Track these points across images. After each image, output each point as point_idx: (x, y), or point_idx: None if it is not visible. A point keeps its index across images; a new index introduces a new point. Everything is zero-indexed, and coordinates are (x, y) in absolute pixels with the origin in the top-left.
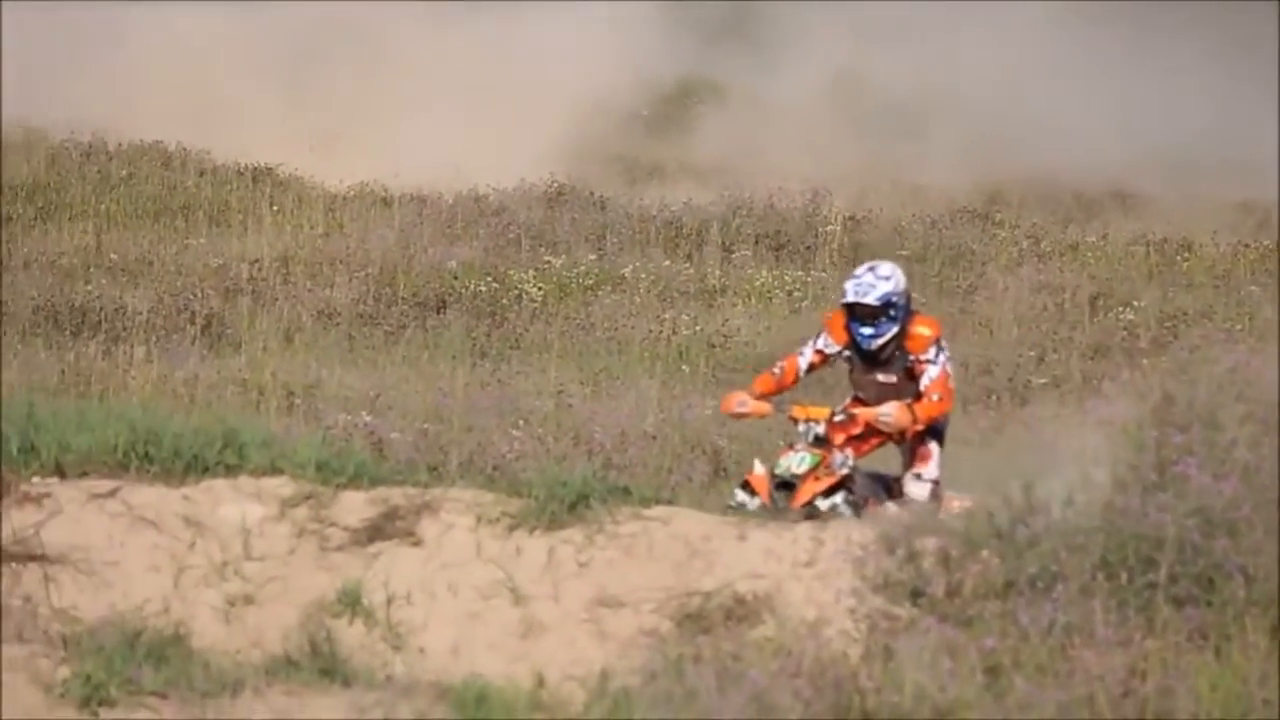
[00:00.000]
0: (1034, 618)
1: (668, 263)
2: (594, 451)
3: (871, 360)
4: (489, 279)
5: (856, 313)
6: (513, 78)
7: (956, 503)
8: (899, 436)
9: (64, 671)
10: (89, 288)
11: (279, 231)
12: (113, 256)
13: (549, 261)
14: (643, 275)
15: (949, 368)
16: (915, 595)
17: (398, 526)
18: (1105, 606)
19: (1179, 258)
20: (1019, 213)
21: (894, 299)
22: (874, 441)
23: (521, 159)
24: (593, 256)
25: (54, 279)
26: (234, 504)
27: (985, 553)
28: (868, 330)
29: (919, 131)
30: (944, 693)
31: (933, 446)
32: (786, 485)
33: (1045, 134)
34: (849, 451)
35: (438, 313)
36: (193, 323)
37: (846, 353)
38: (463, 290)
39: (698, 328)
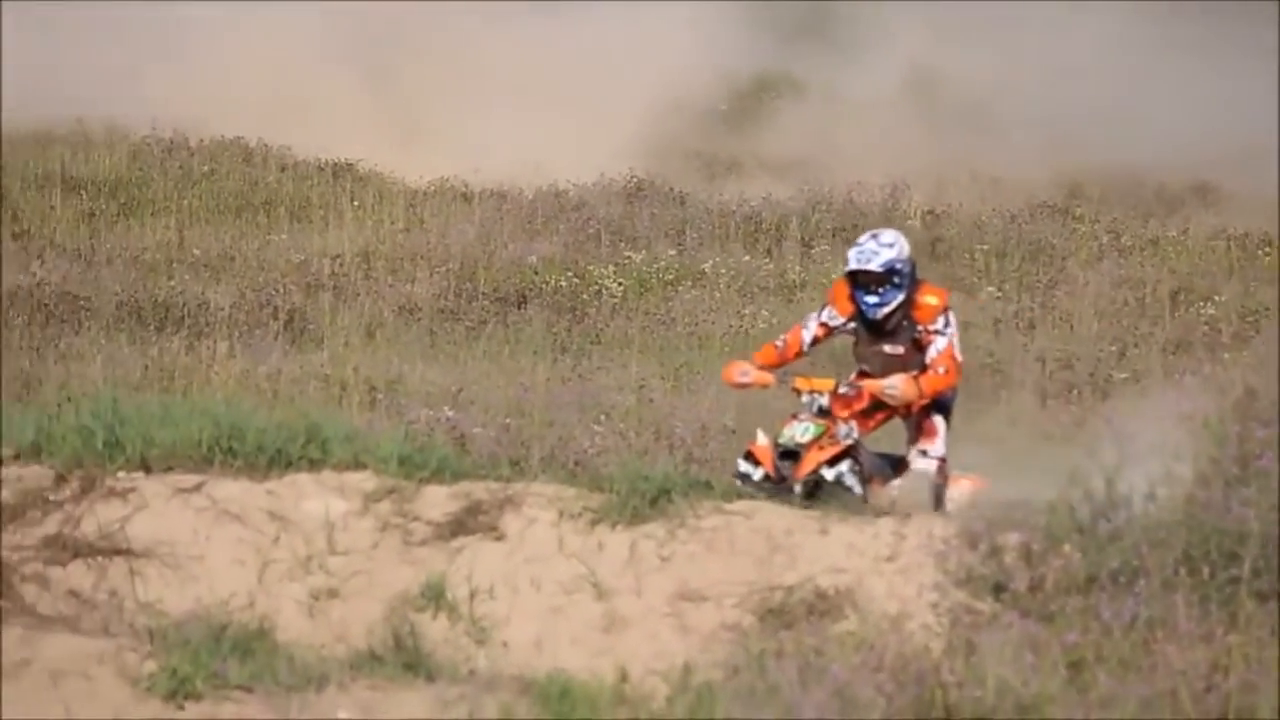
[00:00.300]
0: (1116, 612)
1: (747, 257)
2: (675, 446)
3: (878, 331)
4: (569, 274)
5: (860, 281)
6: (593, 73)
7: (966, 481)
8: (904, 410)
9: (150, 665)
10: (172, 283)
11: (360, 227)
12: (195, 252)
13: (629, 257)
14: (722, 270)
15: (956, 340)
16: (997, 590)
17: (480, 521)
18: (1187, 601)
19: (1260, 252)
20: (1099, 207)
21: (898, 265)
22: (879, 417)
23: (601, 154)
24: (672, 252)
25: (137, 274)
26: (318, 498)
27: (1067, 548)
28: (872, 299)
29: (998, 126)
30: (1026, 687)
31: (938, 422)
32: (791, 454)
33: (1125, 128)
34: (853, 424)
35: (518, 308)
36: (275, 318)
37: (851, 325)
38: (543, 285)
39: (776, 321)
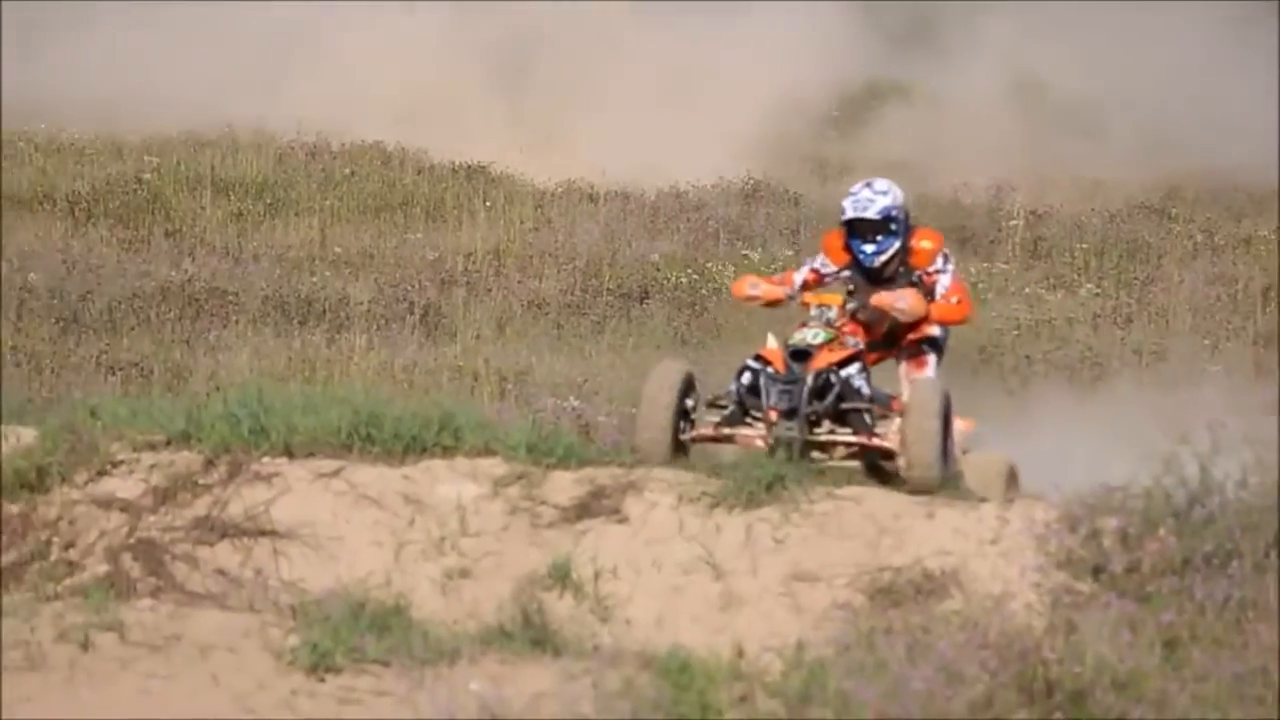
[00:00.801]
0: (1210, 593)
1: None
2: None
3: (875, 279)
4: (689, 271)
5: (857, 229)
6: (712, 78)
7: (960, 422)
8: (904, 336)
9: (293, 640)
10: (314, 279)
11: (491, 226)
12: (336, 250)
13: (746, 255)
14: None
15: (960, 273)
16: (1096, 571)
17: (604, 505)
18: (1279, 582)
19: None
20: (1194, 208)
21: (894, 212)
22: (874, 357)
23: (719, 157)
24: (789, 251)
25: (282, 271)
26: (451, 483)
27: (1163, 531)
28: (870, 247)
29: (1098, 129)
30: (1123, 664)
31: (930, 356)
32: (801, 354)
33: (1220, 131)
34: (860, 337)
35: (641, 303)
36: (411, 312)
37: (845, 273)
38: (664, 282)
39: None
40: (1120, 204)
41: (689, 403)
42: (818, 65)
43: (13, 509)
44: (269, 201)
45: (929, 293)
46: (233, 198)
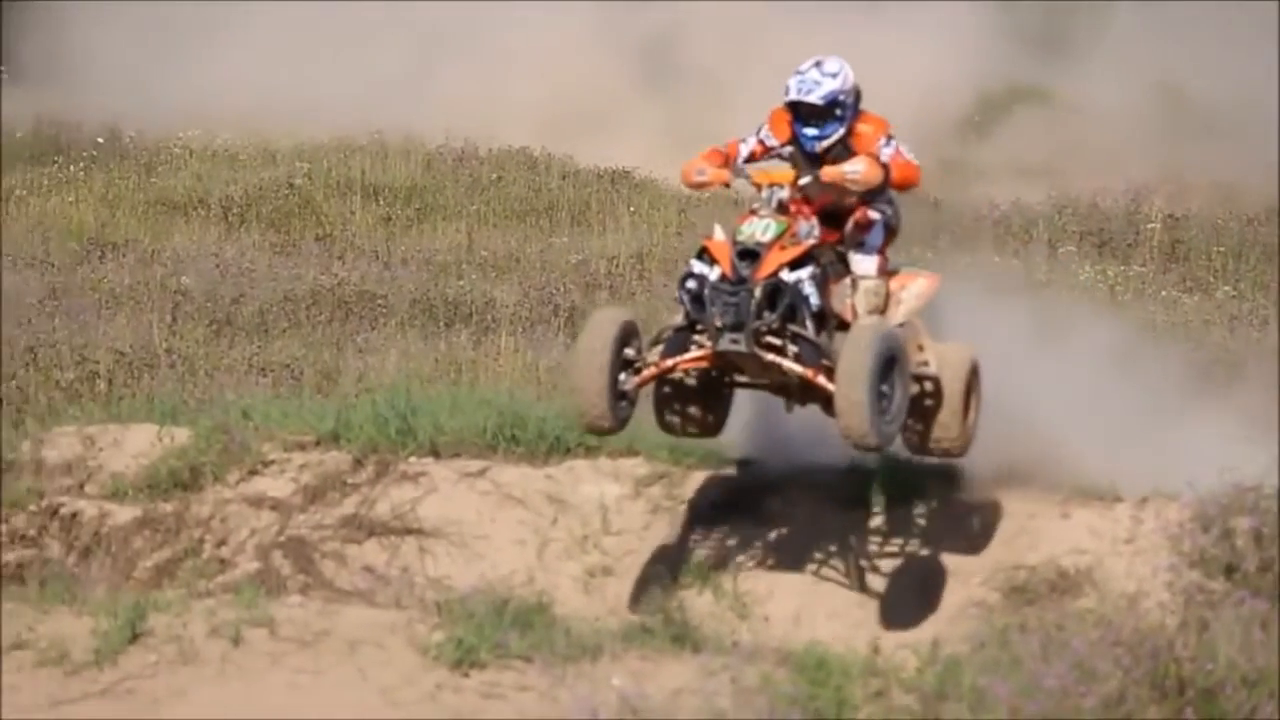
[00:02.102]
0: None
1: (996, 259)
2: None
3: (816, 161)
4: None
5: (801, 112)
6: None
7: (921, 279)
8: (849, 217)
9: (438, 636)
10: (461, 283)
11: (635, 230)
12: (483, 253)
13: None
14: (973, 270)
15: (906, 150)
16: (1229, 570)
17: (743, 504)
18: None
19: None
20: None
21: (841, 97)
22: (827, 240)
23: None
24: (930, 254)
25: (429, 275)
26: (593, 483)
27: None
28: (812, 130)
29: (1236, 132)
30: (1254, 662)
31: (875, 216)
32: (750, 254)
33: None
34: (814, 221)
35: None
36: (556, 314)
37: (788, 150)
38: None
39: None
40: (1258, 208)
41: (629, 352)
42: (957, 68)
43: (167, 507)
44: (417, 206)
45: (884, 193)
46: (382, 202)
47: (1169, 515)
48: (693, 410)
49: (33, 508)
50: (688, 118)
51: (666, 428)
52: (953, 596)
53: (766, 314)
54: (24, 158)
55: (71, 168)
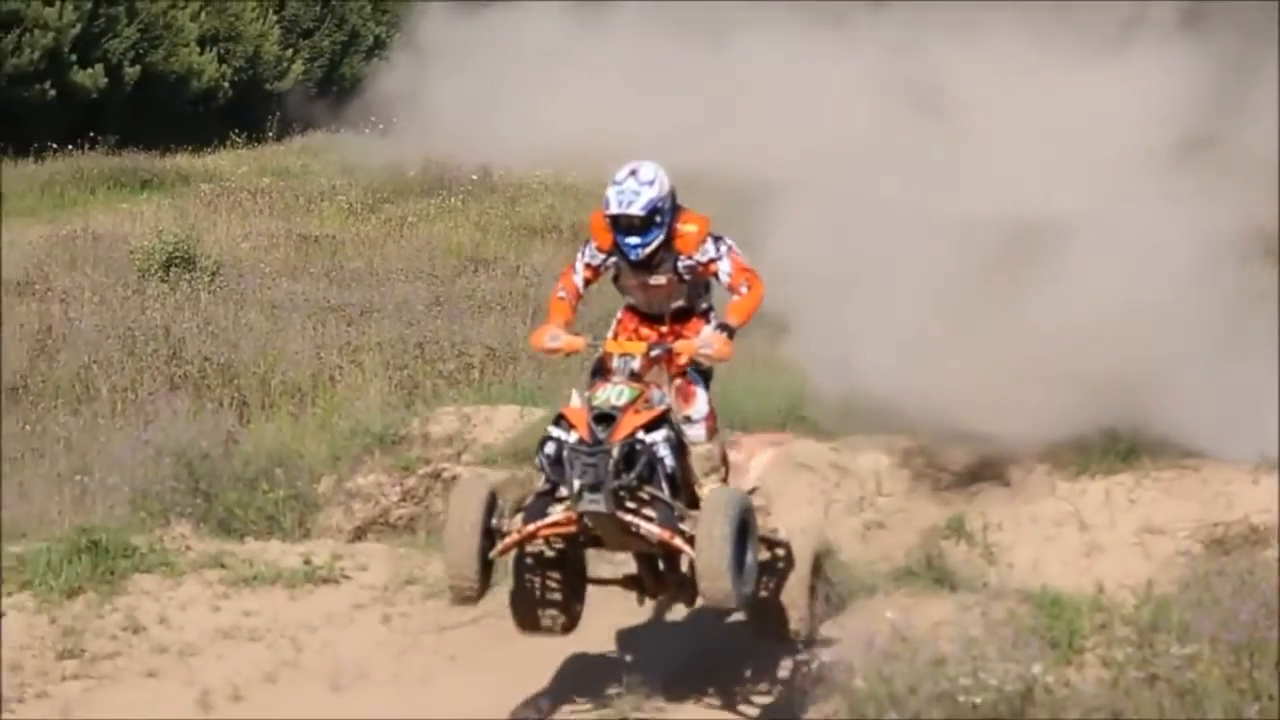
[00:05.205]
0: None
1: None
2: None
3: (639, 267)
4: None
5: (621, 223)
6: (1074, 126)
7: (769, 451)
8: (671, 370)
9: None
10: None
11: None
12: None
13: None
14: None
15: (738, 252)
16: None
17: (991, 471)
18: None
19: None
20: None
21: (659, 204)
22: (649, 363)
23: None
24: None
25: None
26: (869, 454)
27: None
28: (634, 240)
29: None
30: None
31: (696, 382)
32: (606, 418)
33: None
34: (665, 390)
35: None
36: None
37: (613, 260)
38: None
39: None
40: None
41: (494, 521)
42: (1160, 109)
43: (525, 472)
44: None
45: (706, 284)
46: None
47: None
48: (550, 609)
49: (421, 472)
50: (956, 155)
51: (522, 625)
52: (1163, 547)
53: (624, 475)
54: (415, 192)
55: (452, 200)
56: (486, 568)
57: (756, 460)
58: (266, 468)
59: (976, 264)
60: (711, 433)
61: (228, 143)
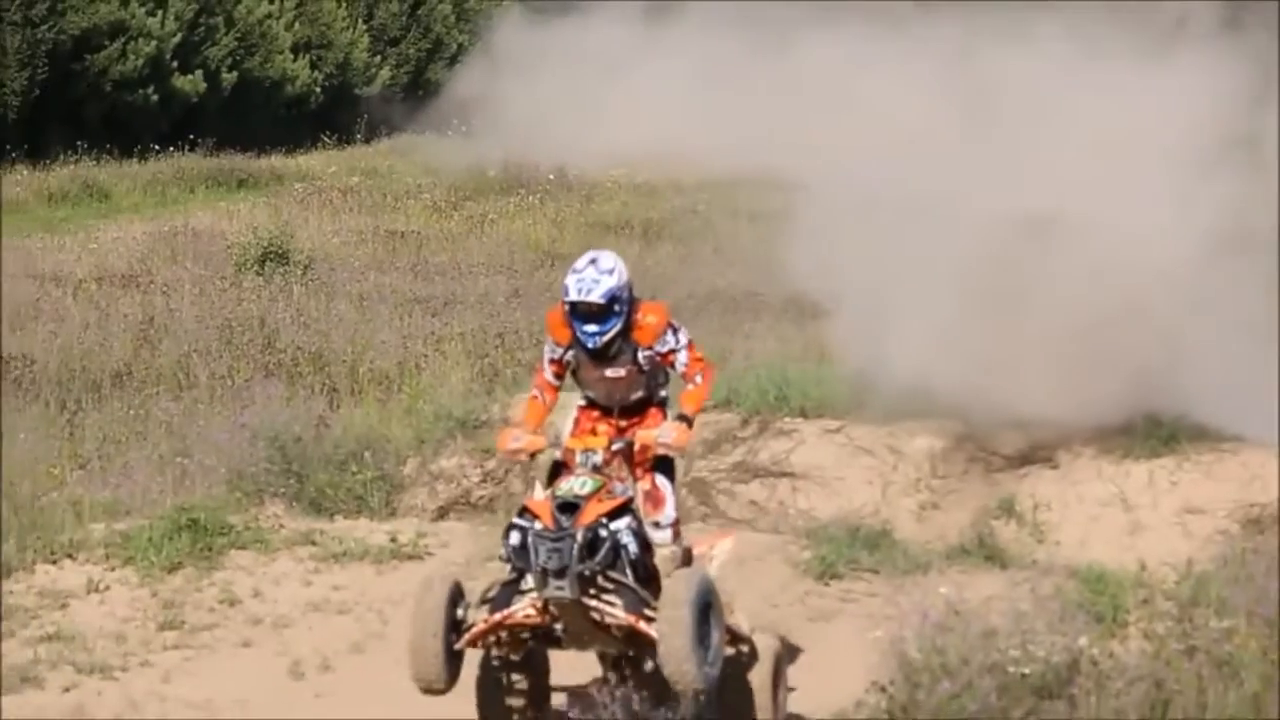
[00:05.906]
0: None
1: None
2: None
3: (598, 355)
4: None
5: (580, 311)
6: (1122, 125)
7: (726, 540)
8: (638, 470)
9: (806, 554)
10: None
11: None
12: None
13: None
14: None
15: (694, 342)
16: None
17: (1040, 455)
18: None
19: None
20: None
21: (618, 293)
22: (611, 455)
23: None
24: None
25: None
26: (924, 438)
27: None
28: (592, 328)
29: None
30: None
31: (664, 488)
32: (569, 507)
33: None
34: (629, 482)
35: None
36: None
37: (571, 352)
38: None
39: None
40: None
41: (459, 613)
42: (1215, 115)
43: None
44: (784, 224)
45: (665, 374)
46: (762, 223)
47: None
48: (518, 699)
49: (500, 456)
50: (1014, 157)
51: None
52: (1202, 527)
53: (589, 560)
54: (495, 190)
55: (530, 198)
56: (454, 659)
57: (718, 548)
58: (355, 450)
59: (1027, 259)
60: (677, 536)
61: (319, 144)
